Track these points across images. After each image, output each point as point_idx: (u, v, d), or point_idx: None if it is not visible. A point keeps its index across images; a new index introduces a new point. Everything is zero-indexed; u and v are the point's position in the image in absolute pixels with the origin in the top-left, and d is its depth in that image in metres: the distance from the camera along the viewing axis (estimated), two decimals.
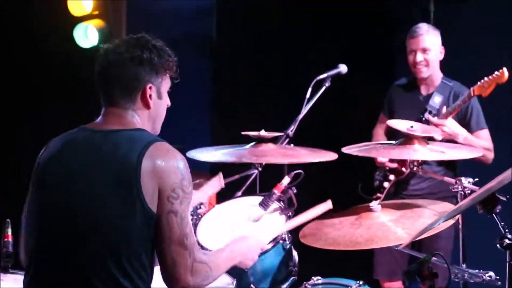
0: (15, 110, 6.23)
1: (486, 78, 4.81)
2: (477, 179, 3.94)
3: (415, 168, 4.46)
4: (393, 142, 4.22)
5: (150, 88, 3.01)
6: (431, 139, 4.28)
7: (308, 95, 4.98)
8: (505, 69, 4.76)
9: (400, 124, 4.22)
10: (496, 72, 4.78)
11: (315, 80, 5.02)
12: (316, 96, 4.99)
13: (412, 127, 4.15)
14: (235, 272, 4.01)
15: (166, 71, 3.07)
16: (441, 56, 5.22)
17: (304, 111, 4.97)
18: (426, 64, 5.18)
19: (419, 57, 5.15)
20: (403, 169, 5.11)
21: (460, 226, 3.94)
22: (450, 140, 4.90)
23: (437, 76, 5.25)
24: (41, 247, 2.93)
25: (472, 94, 4.88)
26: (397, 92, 5.43)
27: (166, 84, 3.10)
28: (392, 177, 5.21)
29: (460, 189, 3.94)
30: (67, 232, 2.87)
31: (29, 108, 6.24)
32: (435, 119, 4.96)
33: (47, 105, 6.17)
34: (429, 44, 5.16)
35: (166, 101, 3.14)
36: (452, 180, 4.03)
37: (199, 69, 6.81)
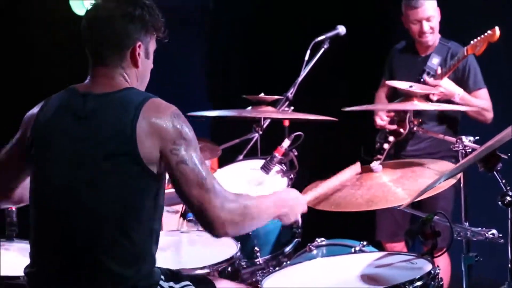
0: (12, 77, 6.21)
1: (478, 37, 4.81)
2: (477, 138, 3.94)
3: (415, 128, 4.47)
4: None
5: (139, 46, 2.98)
6: (429, 99, 4.30)
7: (306, 57, 4.98)
8: (496, 28, 4.75)
9: (400, 84, 4.24)
10: (488, 31, 4.78)
11: (313, 42, 5.01)
12: (315, 58, 4.99)
13: (411, 87, 4.15)
14: (239, 236, 4.05)
15: (155, 31, 3.03)
16: (439, 18, 5.22)
17: (303, 73, 4.98)
18: (432, 32, 5.17)
19: (426, 26, 5.13)
20: (401, 130, 5.12)
21: (461, 185, 3.94)
22: (447, 100, 4.91)
23: (436, 37, 5.24)
24: (45, 216, 2.93)
25: (465, 53, 4.88)
26: (396, 56, 5.43)
27: (153, 44, 3.06)
28: (391, 138, 5.22)
29: (460, 147, 3.95)
30: (70, 202, 2.86)
31: (26, 78, 6.22)
32: (431, 80, 4.97)
33: (42, 72, 6.14)
34: (432, 12, 5.13)
35: (151, 62, 3.11)
36: (453, 139, 4.03)
37: (197, 36, 6.79)
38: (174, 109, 2.91)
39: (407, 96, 4.15)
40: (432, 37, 5.18)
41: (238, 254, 3.82)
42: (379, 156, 5.19)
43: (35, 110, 3.01)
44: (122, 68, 2.97)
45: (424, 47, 5.24)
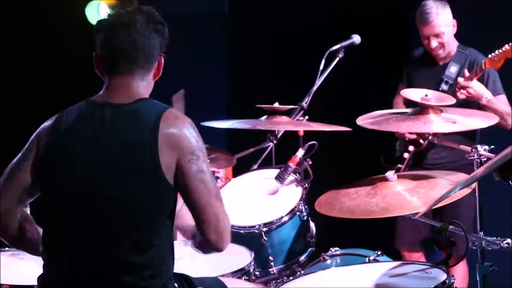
0: (26, 88, 6.23)
1: (496, 52, 4.80)
2: (493, 147, 3.91)
3: (430, 137, 4.45)
4: (407, 111, 4.20)
5: (161, 60, 3.04)
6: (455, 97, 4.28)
7: (321, 67, 4.98)
8: None
9: (414, 94, 4.20)
10: (505, 46, 4.77)
11: (328, 51, 5.01)
12: (330, 68, 4.99)
13: (426, 95, 4.13)
14: (253, 244, 4.05)
15: (164, 50, 3.08)
16: (455, 30, 5.19)
17: (318, 82, 4.97)
18: (441, 47, 5.16)
19: (433, 43, 5.12)
20: (421, 141, 5.11)
21: (476, 194, 3.92)
22: (473, 102, 4.89)
23: (453, 46, 5.22)
24: (71, 216, 2.90)
25: (483, 67, 4.87)
26: (414, 63, 5.40)
27: None
28: (411, 148, 5.20)
29: (476, 157, 3.93)
30: (90, 213, 2.86)
31: (40, 86, 6.24)
32: (461, 81, 4.94)
33: (57, 81, 6.16)
34: (441, 29, 5.10)
35: None
36: (468, 148, 4.01)
37: (213, 45, 6.80)
38: (190, 120, 2.95)
39: (421, 107, 4.11)
40: (443, 51, 5.17)
41: (252, 263, 3.82)
42: (399, 166, 5.17)
43: (48, 123, 2.99)
44: (145, 79, 3.00)
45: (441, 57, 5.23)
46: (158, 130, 2.85)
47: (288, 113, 4.75)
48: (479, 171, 3.57)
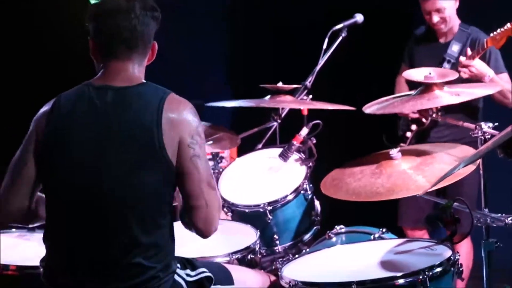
0: (25, 73, 6.23)
1: (498, 30, 4.80)
2: (497, 124, 3.92)
3: (434, 115, 4.45)
4: (412, 92, 4.20)
5: (155, 45, 3.08)
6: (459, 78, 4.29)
7: (324, 46, 4.98)
8: None
9: (417, 74, 4.20)
10: (507, 25, 4.76)
11: (331, 31, 5.01)
12: (333, 47, 4.99)
13: (430, 73, 4.12)
14: (258, 223, 4.06)
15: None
16: (457, 5, 5.19)
17: (321, 62, 4.98)
18: (443, 22, 5.16)
19: (435, 18, 5.12)
20: (423, 120, 5.11)
21: (481, 171, 3.92)
22: (476, 80, 4.89)
23: (455, 24, 5.21)
24: (69, 206, 2.93)
25: (485, 46, 4.87)
26: (416, 42, 5.40)
27: None
28: (414, 127, 5.20)
29: (480, 134, 3.93)
30: (94, 195, 2.87)
31: (40, 68, 6.23)
32: (463, 59, 4.94)
33: (57, 63, 6.15)
34: (442, 3, 5.11)
35: None
36: (472, 125, 4.01)
37: (215, 26, 6.79)
38: (190, 105, 2.98)
39: (426, 86, 4.11)
40: (445, 26, 5.16)
41: (258, 242, 3.83)
42: (402, 144, 5.17)
43: (45, 108, 3.00)
44: (141, 64, 3.03)
45: (444, 33, 5.22)
46: (162, 112, 2.88)
47: (292, 92, 4.75)
48: (483, 148, 3.58)
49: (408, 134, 5.21)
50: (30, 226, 3.21)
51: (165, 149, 2.86)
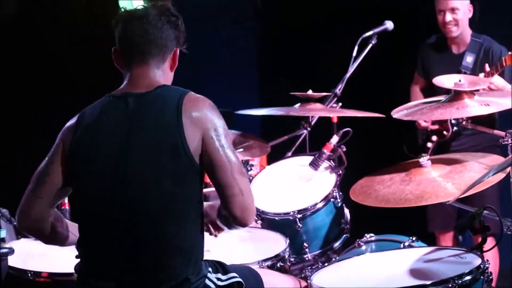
0: (57, 73, 6.27)
1: None
2: None
3: (464, 123, 4.44)
4: (441, 98, 4.19)
5: (176, 51, 3.11)
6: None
7: (354, 53, 4.98)
8: None
9: (447, 81, 4.19)
10: None
11: (361, 38, 5.01)
12: (363, 54, 4.99)
13: (460, 81, 4.12)
14: (288, 231, 4.07)
15: (182, 43, 3.15)
16: (470, 14, 5.25)
17: (351, 69, 4.98)
18: (455, 24, 5.21)
19: (448, 17, 5.18)
20: (445, 132, 5.15)
21: (511, 179, 3.91)
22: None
23: (467, 34, 5.26)
24: (98, 214, 2.97)
25: (504, 64, 4.88)
26: (429, 51, 5.46)
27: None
28: (434, 138, 5.25)
29: (510, 141, 3.92)
30: (123, 200, 2.91)
31: (71, 73, 6.28)
32: (482, 77, 4.95)
33: (90, 70, 6.19)
34: (457, 4, 5.18)
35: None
36: (502, 133, 4.01)
37: (244, 34, 6.82)
38: (210, 101, 3.02)
39: (456, 93, 4.10)
40: (456, 29, 5.21)
41: (287, 250, 3.84)
42: (423, 155, 5.18)
43: (71, 122, 3.07)
44: (160, 68, 3.08)
45: (456, 42, 5.25)
46: (181, 111, 2.93)
47: (322, 100, 4.76)
48: None
49: (429, 144, 5.25)
50: (49, 244, 3.25)
51: (187, 145, 2.89)
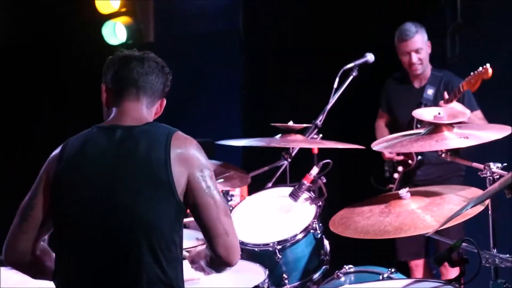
0: (39, 106, 6.29)
1: (472, 74, 4.98)
2: (505, 164, 3.93)
3: (443, 155, 4.46)
4: (421, 131, 4.22)
5: (163, 100, 3.22)
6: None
7: (335, 85, 5.01)
8: (488, 65, 4.96)
9: (426, 113, 4.22)
10: (480, 68, 4.97)
11: (342, 70, 5.05)
12: (344, 86, 5.02)
13: (439, 113, 4.14)
14: (268, 262, 4.06)
15: (167, 94, 3.25)
16: (429, 50, 5.57)
17: (332, 101, 5.00)
18: (420, 63, 5.53)
19: (414, 58, 5.51)
20: (410, 161, 5.31)
21: (489, 212, 3.93)
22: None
23: (428, 69, 5.60)
24: (80, 244, 2.98)
25: (462, 90, 5.16)
26: (391, 88, 5.78)
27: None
28: (400, 168, 5.47)
29: (488, 174, 3.94)
30: (104, 231, 2.93)
31: (55, 105, 6.30)
32: (442, 103, 5.14)
33: (73, 101, 6.22)
34: (420, 44, 5.52)
35: None
36: (481, 166, 4.02)
37: (227, 65, 6.85)
38: (195, 141, 3.08)
39: (435, 126, 4.12)
40: (421, 67, 5.53)
41: (267, 281, 3.83)
42: (390, 186, 5.37)
43: (55, 152, 3.09)
44: (147, 107, 3.15)
45: (418, 77, 5.57)
46: (169, 148, 2.97)
47: (302, 131, 4.78)
48: (492, 188, 3.58)
49: (395, 175, 5.39)
50: (38, 279, 3.23)
51: (174, 184, 2.93)
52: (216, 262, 3.04)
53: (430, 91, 5.50)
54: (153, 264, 2.91)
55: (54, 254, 3.14)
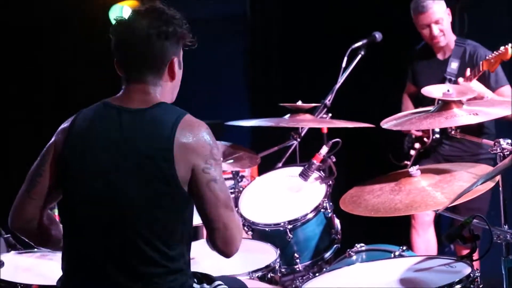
0: (45, 90, 6.30)
1: (493, 53, 4.85)
2: None
3: (452, 132, 4.46)
4: (430, 109, 4.21)
5: (174, 60, 3.04)
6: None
7: (344, 64, 5.01)
8: (509, 46, 4.77)
9: (435, 91, 4.21)
10: (501, 48, 4.80)
11: (350, 49, 5.04)
12: (352, 65, 5.01)
13: (448, 90, 4.13)
14: (279, 242, 4.08)
15: (184, 40, 3.07)
16: (450, 18, 5.27)
17: (341, 80, 5.01)
18: (443, 34, 5.24)
19: (435, 30, 5.20)
20: (425, 139, 5.19)
21: (500, 188, 3.92)
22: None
23: (451, 40, 5.28)
24: (85, 221, 2.95)
25: (481, 69, 4.91)
26: (416, 58, 5.49)
27: (181, 51, 3.10)
28: (417, 145, 5.30)
29: (499, 150, 3.93)
30: (107, 214, 2.91)
31: (60, 90, 6.31)
32: (461, 81, 4.98)
33: (79, 87, 6.21)
34: (440, 15, 5.20)
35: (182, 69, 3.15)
36: (491, 142, 4.00)
37: (235, 46, 6.84)
38: (206, 127, 2.98)
39: (444, 103, 4.11)
40: (444, 39, 5.26)
41: (278, 260, 3.85)
42: (406, 162, 5.25)
43: (65, 125, 3.04)
44: (158, 84, 3.02)
45: (441, 49, 5.30)
46: (174, 138, 2.88)
47: (311, 111, 4.78)
48: (502, 164, 3.57)
49: (412, 152, 5.28)
50: (42, 248, 3.25)
51: (177, 176, 2.87)
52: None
53: (454, 65, 5.24)
54: (156, 242, 2.89)
55: (60, 225, 3.12)
